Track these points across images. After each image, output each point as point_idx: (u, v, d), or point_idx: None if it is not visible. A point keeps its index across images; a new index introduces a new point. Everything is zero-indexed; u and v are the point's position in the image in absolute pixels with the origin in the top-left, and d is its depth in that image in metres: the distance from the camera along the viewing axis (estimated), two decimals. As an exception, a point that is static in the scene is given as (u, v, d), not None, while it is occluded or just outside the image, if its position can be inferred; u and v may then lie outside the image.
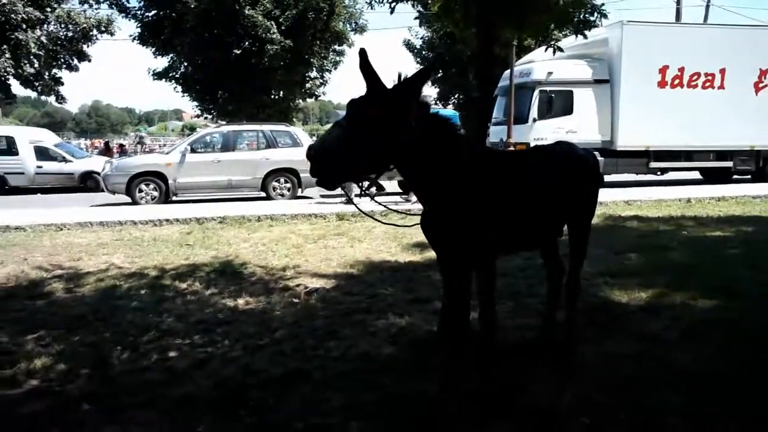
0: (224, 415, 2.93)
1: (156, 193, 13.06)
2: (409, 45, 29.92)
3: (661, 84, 15.14)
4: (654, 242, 7.11)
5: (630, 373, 3.31)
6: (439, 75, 28.97)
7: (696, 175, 17.60)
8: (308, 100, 27.33)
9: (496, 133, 16.46)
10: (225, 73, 22.16)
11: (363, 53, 2.47)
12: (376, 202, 3.10)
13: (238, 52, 22.17)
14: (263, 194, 13.53)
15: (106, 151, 24.96)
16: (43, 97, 22.91)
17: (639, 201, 11.02)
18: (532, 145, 14.21)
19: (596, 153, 14.07)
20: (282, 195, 13.40)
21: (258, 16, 21.07)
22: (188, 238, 8.19)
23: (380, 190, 10.94)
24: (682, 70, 15.13)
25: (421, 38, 29.65)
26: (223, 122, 20.23)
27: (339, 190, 2.81)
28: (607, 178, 15.50)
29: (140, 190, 13.03)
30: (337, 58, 25.18)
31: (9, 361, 3.69)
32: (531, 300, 4.65)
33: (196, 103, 25.54)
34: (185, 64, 23.75)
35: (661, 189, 13.45)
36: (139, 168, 13.11)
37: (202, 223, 9.54)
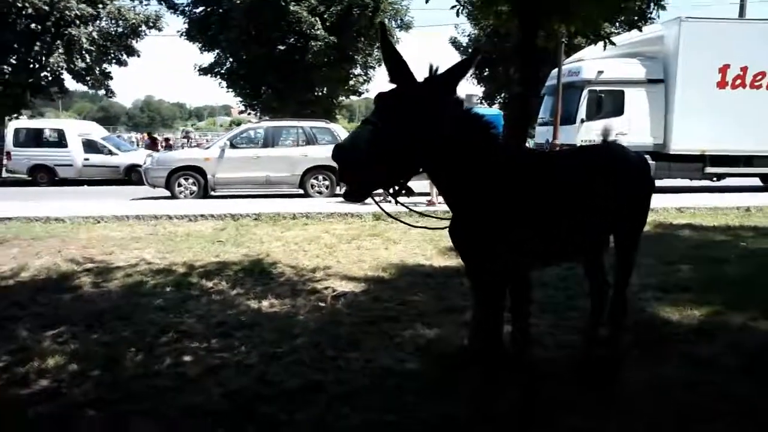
0: (231, 429, 2.74)
1: (195, 188, 13.11)
2: (455, 43, 29.54)
3: (721, 84, 14.34)
4: (709, 254, 6.63)
5: (680, 403, 2.97)
6: (485, 73, 28.55)
7: (756, 181, 16.67)
8: (352, 97, 27.26)
9: (542, 134, 15.98)
10: (269, 69, 22.25)
11: (382, 27, 2.25)
12: (402, 204, 2.85)
13: (283, 48, 22.24)
14: (301, 191, 13.44)
15: (152, 144, 25.47)
16: (100, 92, 23.32)
17: (693, 208, 10.42)
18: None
19: (647, 157, 13.34)
20: (320, 192, 13.28)
21: (303, 12, 21.08)
22: (221, 235, 8.15)
23: (410, 194, 10.62)
24: (744, 69, 14.29)
25: (468, 36, 29.26)
26: (266, 118, 20.32)
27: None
28: (658, 183, 14.83)
29: (179, 185, 13.10)
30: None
31: (24, 359, 3.60)
32: (572, 314, 4.32)
33: (240, 99, 25.79)
34: (230, 59, 23.97)
35: (717, 196, 12.72)
36: (179, 162, 13.19)
37: (236, 219, 9.49)
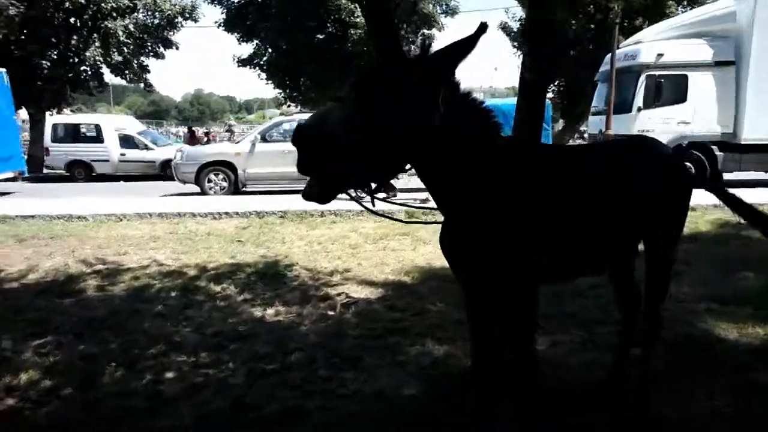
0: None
1: (225, 184, 13.13)
2: (505, 28, 28.82)
3: (800, 66, 13.33)
4: (780, 259, 6.06)
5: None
6: (559, 63, 27.76)
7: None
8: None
9: (595, 124, 15.33)
10: (307, 59, 22.24)
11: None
12: (395, 202, 2.57)
13: (322, 37, 22.17)
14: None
15: (191, 138, 25.70)
16: (142, 86, 23.94)
17: (765, 205, 9.68)
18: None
19: (714, 147, 12.55)
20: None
21: (342, -2, 20.98)
22: (242, 234, 8.07)
23: (392, 193, 10.34)
24: (828, 49, 13.25)
25: (519, 20, 28.49)
26: (297, 110, 20.34)
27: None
28: (726, 176, 13.97)
29: (209, 180, 13.16)
30: (426, 42, 24.62)
31: (-2, 372, 3.49)
32: (603, 329, 3.93)
33: (279, 91, 25.95)
34: (269, 50, 24.11)
35: (794, 191, 11.85)
36: (209, 157, 13.23)
37: (262, 217, 9.40)
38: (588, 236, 2.29)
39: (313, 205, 9.65)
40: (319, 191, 2.05)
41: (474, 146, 2.17)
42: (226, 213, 9.57)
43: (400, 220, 2.95)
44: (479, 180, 2.18)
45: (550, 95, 29.25)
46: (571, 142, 24.84)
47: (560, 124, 29.91)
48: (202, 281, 5.59)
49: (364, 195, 2.27)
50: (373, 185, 2.25)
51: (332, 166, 1.98)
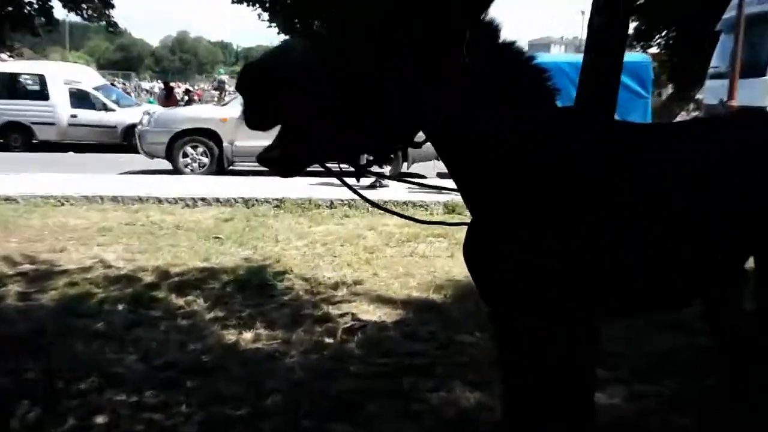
0: None
1: (206, 159, 13.25)
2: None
3: None
4: None
5: None
6: (638, 1, 27.35)
7: None
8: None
9: (714, 91, 15.04)
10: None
11: None
12: (408, 181, 2.52)
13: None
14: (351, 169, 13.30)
15: (168, 97, 25.80)
16: (123, 26, 24.40)
17: None
18: (769, 110, 12.78)
19: None
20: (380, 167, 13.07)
21: None
22: (222, 228, 8.15)
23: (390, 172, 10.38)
24: None
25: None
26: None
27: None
28: None
29: (185, 155, 13.29)
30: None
31: None
32: (699, 381, 3.82)
33: (286, 37, 26.07)
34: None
35: None
36: (185, 123, 13.34)
37: (251, 206, 9.49)
38: (675, 254, 2.18)
39: (320, 193, 9.74)
40: (280, 157, 2.02)
41: (511, 120, 2.12)
42: (203, 199, 9.67)
43: (417, 220, 2.91)
44: (516, 170, 2.12)
45: (654, 50, 28.92)
46: (682, 117, 24.40)
47: (669, 90, 29.46)
48: (161, 291, 5.63)
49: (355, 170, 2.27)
50: (365, 158, 2.21)
51: (296, 124, 1.95)
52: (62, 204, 9.35)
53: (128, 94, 31.69)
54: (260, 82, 1.91)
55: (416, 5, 1.98)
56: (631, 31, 26.55)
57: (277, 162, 2.04)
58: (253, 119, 1.96)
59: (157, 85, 45.50)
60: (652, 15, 25.13)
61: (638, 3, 26.25)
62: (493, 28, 2.13)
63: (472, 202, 2.29)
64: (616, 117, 11.90)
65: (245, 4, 25.43)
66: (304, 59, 1.90)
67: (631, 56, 15.52)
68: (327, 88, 1.89)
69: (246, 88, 1.94)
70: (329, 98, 1.90)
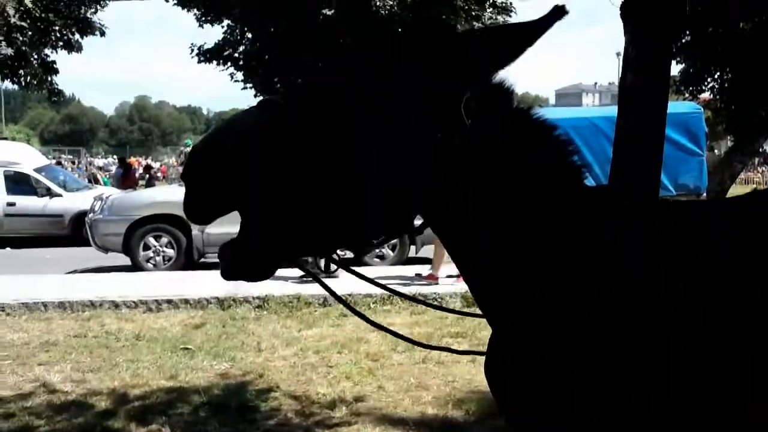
0: None
1: (172, 252, 13.27)
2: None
3: None
4: None
5: None
6: (683, 39, 27.78)
7: None
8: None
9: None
10: (307, 50, 22.65)
11: None
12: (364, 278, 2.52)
13: (331, 13, 22.61)
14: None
15: (125, 176, 26.07)
16: (70, 93, 24.89)
17: None
18: None
19: None
20: (380, 258, 13.08)
21: (363, -48, 21.49)
22: (193, 336, 8.16)
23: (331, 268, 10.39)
24: None
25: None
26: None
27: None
28: None
29: (146, 247, 13.30)
30: (500, 18, 25.03)
31: None
32: None
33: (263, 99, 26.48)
34: (246, 35, 24.71)
35: None
36: (145, 209, 13.42)
37: (227, 307, 9.48)
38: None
39: (311, 288, 9.73)
40: (238, 261, 2.01)
41: (525, 208, 2.10)
42: (169, 301, 9.64)
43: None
44: (528, 268, 2.09)
45: (705, 95, 29.18)
46: (744, 175, 24.42)
47: (726, 144, 29.66)
48: (118, 420, 5.61)
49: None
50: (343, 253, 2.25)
51: (249, 215, 1.97)
52: (-3, 314, 9.32)
53: (77, 174, 32.14)
54: (196, 167, 1.93)
55: (396, 63, 2.01)
56: (675, 72, 26.94)
57: (238, 269, 2.03)
58: (189, 209, 1.98)
59: (113, 162, 46.08)
60: (702, 54, 25.45)
61: (683, 42, 26.78)
62: (504, 91, 2.14)
63: (485, 307, 2.26)
64: (665, 179, 11.97)
65: (214, 63, 25.88)
66: (252, 137, 1.90)
67: (679, 106, 15.73)
68: (282, 171, 1.90)
69: (188, 177, 1.95)
70: (286, 184, 1.91)
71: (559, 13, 2.05)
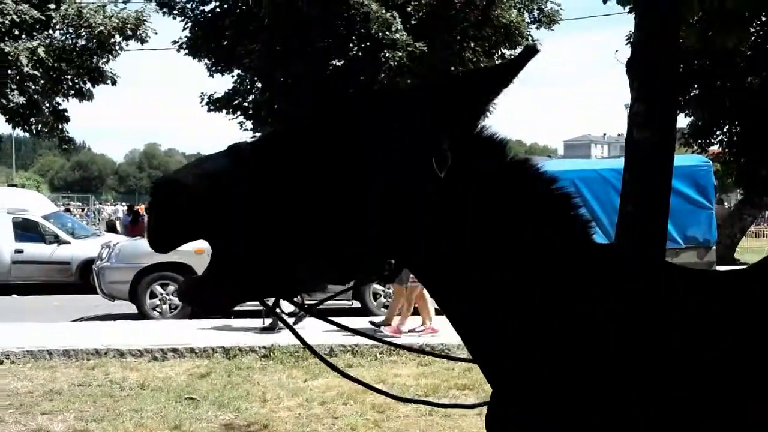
0: None
1: (178, 301, 13.20)
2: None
3: None
4: None
5: None
6: (692, 93, 27.87)
7: None
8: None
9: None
10: (318, 97, 22.79)
11: None
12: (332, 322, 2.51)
13: (340, 63, 22.78)
14: (357, 303, 13.30)
15: (133, 223, 26.01)
16: (80, 140, 25.09)
17: None
18: None
19: None
20: (388, 307, 12.99)
21: (371, 3, 21.62)
22: (198, 386, 8.11)
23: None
24: None
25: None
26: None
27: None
28: None
29: (153, 295, 13.28)
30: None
31: None
32: None
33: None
34: (257, 84, 24.86)
35: None
36: (152, 257, 13.38)
37: (233, 356, 9.44)
38: None
39: (317, 338, 9.69)
40: (200, 291, 2.02)
41: (521, 264, 2.07)
42: (175, 350, 9.61)
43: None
44: (525, 339, 2.07)
45: (714, 148, 29.12)
46: (755, 228, 24.28)
47: (736, 196, 29.54)
48: (121, 472, 5.55)
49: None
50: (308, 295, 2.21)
51: (220, 248, 1.97)
52: (0, 362, 9.27)
53: (86, 221, 32.16)
54: (162, 193, 1.94)
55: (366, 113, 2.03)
56: (684, 125, 26.98)
57: (199, 299, 2.05)
58: (151, 237, 1.97)
59: (121, 209, 46.06)
60: (710, 108, 25.52)
61: (691, 95, 26.91)
62: (495, 144, 2.11)
63: (485, 365, 2.24)
64: (674, 232, 11.93)
65: (224, 111, 26.01)
66: (217, 172, 1.92)
67: (688, 159, 15.76)
68: (246, 206, 1.91)
69: (151, 204, 1.97)
70: (279, 197, 1.93)
71: (530, 52, 2.06)
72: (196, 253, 13.18)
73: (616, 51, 27.15)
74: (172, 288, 13.30)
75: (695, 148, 27.71)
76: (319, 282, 2.10)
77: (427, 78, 2.23)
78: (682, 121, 27.90)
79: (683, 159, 15.13)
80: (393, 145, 1.99)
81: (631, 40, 4.37)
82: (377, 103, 2.06)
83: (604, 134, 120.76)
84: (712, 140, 28.47)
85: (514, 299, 2.06)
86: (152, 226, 1.95)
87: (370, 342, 9.53)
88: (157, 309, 13.30)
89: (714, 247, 14.33)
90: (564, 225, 2.12)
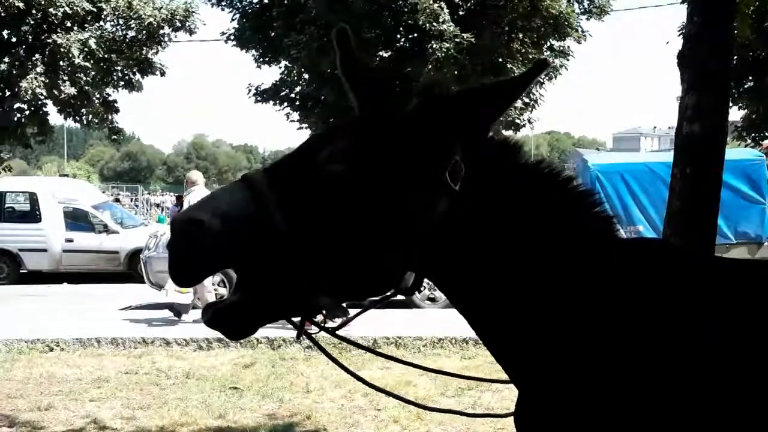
0: None
1: (224, 290, 13.26)
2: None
3: None
4: None
5: None
6: (746, 85, 27.42)
7: None
8: (505, 132, 27.23)
9: None
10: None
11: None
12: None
13: (387, 55, 22.73)
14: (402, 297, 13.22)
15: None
16: (130, 131, 25.41)
17: None
18: None
19: None
20: (432, 300, 12.94)
21: (420, -6, 21.55)
22: (242, 376, 8.17)
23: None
24: None
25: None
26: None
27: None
28: None
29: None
30: (557, 62, 24.92)
31: None
32: None
33: (321, 139, 26.64)
34: (304, 76, 24.88)
35: None
36: (199, 247, 13.46)
37: (277, 347, 9.47)
38: None
39: (360, 329, 9.68)
40: (226, 318, 2.03)
41: (541, 265, 2.07)
42: (220, 340, 9.64)
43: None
44: (545, 338, 2.06)
45: (758, 148, 28.56)
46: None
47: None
48: (165, 458, 5.61)
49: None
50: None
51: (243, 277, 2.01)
52: (51, 350, 9.42)
53: (135, 211, 32.50)
54: (182, 233, 1.94)
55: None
56: (734, 117, 26.55)
57: (226, 324, 2.06)
58: (173, 275, 1.99)
59: (169, 199, 46.34)
60: (766, 100, 25.09)
61: (746, 87, 26.49)
62: (508, 149, 2.14)
63: (508, 369, 2.24)
64: (725, 227, 11.75)
65: (271, 103, 26.08)
66: (237, 205, 1.94)
67: (741, 153, 15.52)
68: (268, 239, 1.93)
69: (171, 242, 1.99)
70: (270, 248, 1.93)
71: (541, 66, 2.08)
72: (242, 243, 13.33)
73: (667, 42, 27.09)
74: (217, 278, 13.34)
75: (749, 141, 27.29)
76: (341, 304, 2.11)
77: (433, 93, 2.23)
78: (736, 114, 27.50)
79: (736, 153, 14.93)
80: (410, 163, 2.02)
81: (684, 31, 4.29)
82: (394, 125, 2.08)
83: (655, 127, 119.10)
84: (766, 134, 28.02)
85: (534, 302, 2.07)
86: (172, 265, 1.97)
87: (413, 334, 9.53)
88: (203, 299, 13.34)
89: (766, 243, 14.08)
90: (581, 224, 2.13)
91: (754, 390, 1.90)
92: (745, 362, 1.93)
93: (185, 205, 12.68)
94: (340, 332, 2.37)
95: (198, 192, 12.07)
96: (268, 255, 1.93)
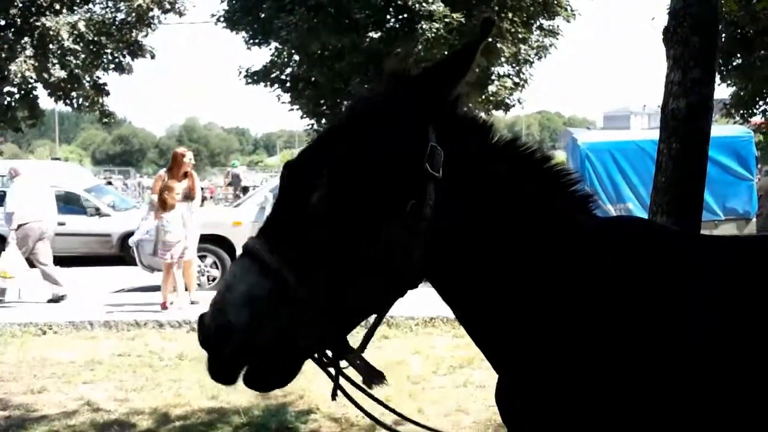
0: None
1: (216, 273, 13.28)
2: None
3: None
4: None
5: None
6: (734, 62, 27.40)
7: None
8: (494, 112, 27.19)
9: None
10: (354, 70, 22.70)
11: None
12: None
13: (377, 35, 22.67)
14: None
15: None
16: (121, 115, 25.37)
17: None
18: None
19: None
20: (424, 279, 12.99)
21: (409, -26, 21.50)
22: (236, 357, 8.10)
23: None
24: None
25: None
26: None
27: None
28: None
29: (190, 267, 13.31)
30: (547, 41, 24.93)
31: None
32: None
33: (311, 122, 26.56)
34: (294, 57, 24.81)
35: None
36: (190, 230, 13.46)
37: (269, 328, 9.44)
38: None
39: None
40: (260, 375, 2.11)
41: (521, 244, 2.07)
42: (213, 321, 9.64)
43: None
44: (537, 311, 2.07)
45: (757, 119, 28.65)
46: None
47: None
48: (158, 441, 5.61)
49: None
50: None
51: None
52: (44, 332, 9.43)
53: (127, 194, 32.40)
54: (217, 338, 2.00)
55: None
56: (722, 95, 26.58)
57: (250, 382, 2.10)
58: (217, 376, 2.08)
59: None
60: (755, 77, 25.10)
61: (734, 65, 26.50)
62: (480, 127, 2.14)
63: (488, 350, 2.32)
64: (714, 203, 11.79)
65: (262, 84, 26.06)
66: (252, 288, 1.96)
67: (729, 129, 15.57)
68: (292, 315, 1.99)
69: (207, 348, 2.05)
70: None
71: (486, 26, 2.06)
72: (234, 225, 13.35)
73: (653, 18, 27.00)
74: (210, 260, 13.35)
75: (737, 118, 27.34)
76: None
77: (394, 76, 2.20)
78: (724, 91, 27.53)
79: (724, 130, 14.95)
80: (387, 164, 2.01)
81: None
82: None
83: (644, 105, 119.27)
84: (755, 110, 28.08)
85: (510, 283, 2.08)
86: (213, 371, 2.06)
87: (405, 314, 9.55)
88: (196, 281, 13.35)
89: (754, 219, 14.15)
90: (558, 203, 2.13)
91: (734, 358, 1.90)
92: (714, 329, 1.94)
93: (8, 201, 12.65)
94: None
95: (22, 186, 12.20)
96: (287, 310, 1.97)
